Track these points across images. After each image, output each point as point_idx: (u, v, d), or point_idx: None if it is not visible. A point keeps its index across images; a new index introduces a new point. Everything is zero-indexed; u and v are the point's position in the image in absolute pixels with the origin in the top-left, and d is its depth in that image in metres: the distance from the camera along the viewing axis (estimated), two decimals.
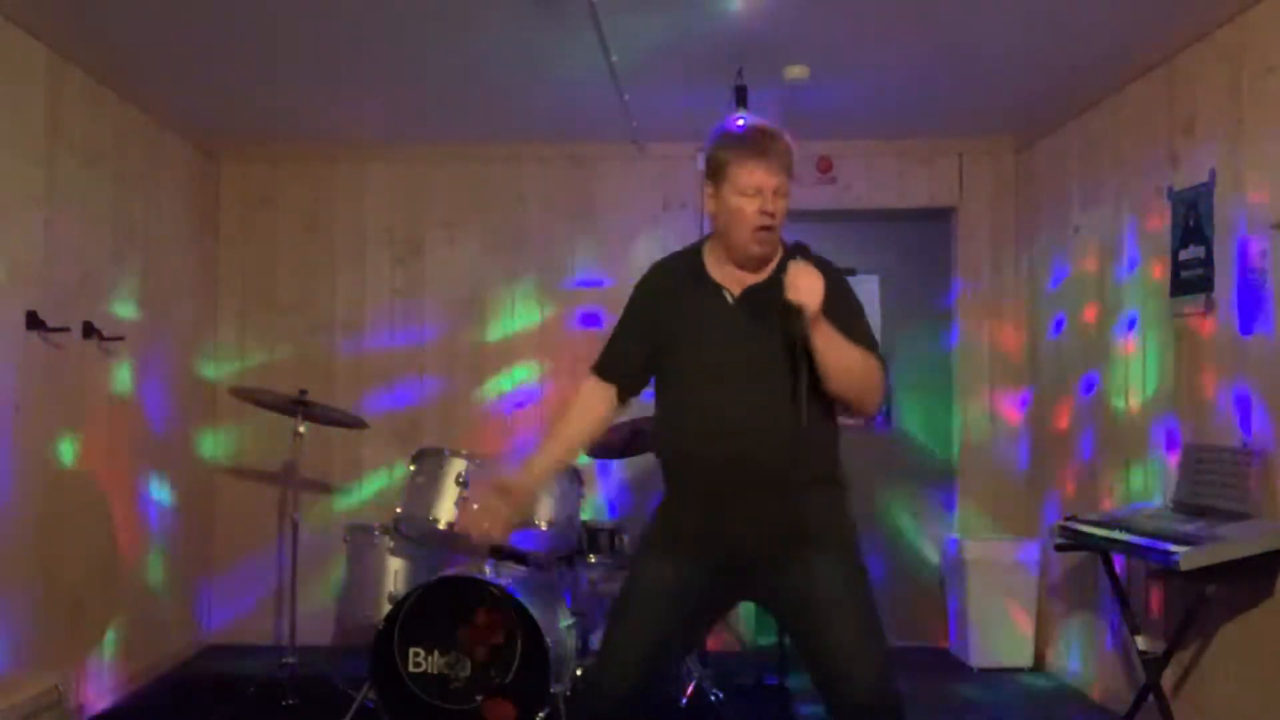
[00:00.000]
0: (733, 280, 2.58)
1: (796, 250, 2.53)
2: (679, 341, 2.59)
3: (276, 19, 3.92)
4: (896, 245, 5.77)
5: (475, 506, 2.57)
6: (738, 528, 2.50)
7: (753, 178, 2.49)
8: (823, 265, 2.53)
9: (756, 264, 2.57)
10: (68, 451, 4.19)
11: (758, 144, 2.51)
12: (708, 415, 2.52)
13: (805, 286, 2.40)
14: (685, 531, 2.56)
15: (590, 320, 5.63)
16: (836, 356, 2.45)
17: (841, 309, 2.52)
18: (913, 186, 5.64)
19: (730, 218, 2.52)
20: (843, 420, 2.64)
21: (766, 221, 2.50)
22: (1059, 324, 5.08)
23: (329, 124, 5.31)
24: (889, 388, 5.62)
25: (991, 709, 4.61)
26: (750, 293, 2.57)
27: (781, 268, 2.52)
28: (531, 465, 2.69)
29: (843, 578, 2.49)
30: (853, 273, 5.60)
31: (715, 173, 2.55)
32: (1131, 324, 4.38)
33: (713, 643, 5.01)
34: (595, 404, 2.70)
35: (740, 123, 2.56)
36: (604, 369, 2.71)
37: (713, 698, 4.37)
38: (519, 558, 4.40)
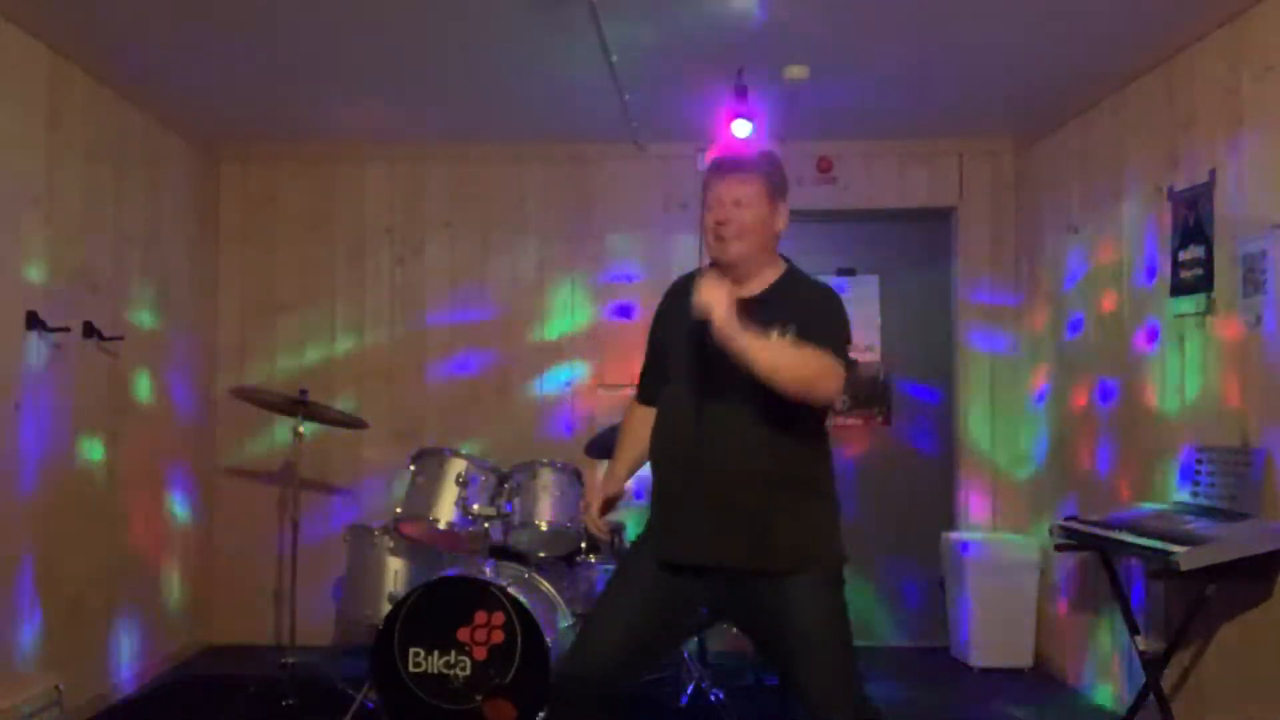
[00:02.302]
0: None
1: (793, 272, 2.68)
2: (669, 350, 2.75)
3: (277, 19, 3.92)
4: (896, 245, 5.77)
5: (584, 511, 2.92)
6: (694, 531, 2.59)
7: (712, 192, 2.65)
8: (806, 284, 2.67)
9: (740, 276, 2.64)
10: (68, 452, 4.19)
11: (719, 165, 2.69)
12: (673, 420, 2.67)
13: (704, 300, 2.41)
14: (658, 531, 2.69)
15: (586, 322, 5.65)
16: (758, 360, 2.40)
17: (809, 316, 2.56)
18: (913, 186, 5.64)
19: (703, 232, 2.69)
20: (841, 418, 2.66)
21: (718, 231, 2.62)
22: (1060, 325, 5.07)
23: (329, 124, 5.31)
24: (888, 387, 5.66)
25: (991, 709, 4.61)
26: (737, 305, 2.60)
27: (777, 286, 2.65)
28: (611, 471, 2.94)
29: (813, 607, 2.52)
30: (853, 273, 5.64)
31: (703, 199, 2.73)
32: (1133, 325, 4.38)
33: (713, 643, 5.01)
34: (643, 416, 2.84)
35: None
36: (641, 395, 2.91)
37: (713, 698, 4.37)
38: (519, 558, 4.41)
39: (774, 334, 2.50)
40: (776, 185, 2.66)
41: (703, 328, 2.57)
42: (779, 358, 2.42)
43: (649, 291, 5.47)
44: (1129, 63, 4.24)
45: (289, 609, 4.54)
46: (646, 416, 2.81)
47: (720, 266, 2.66)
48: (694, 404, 2.61)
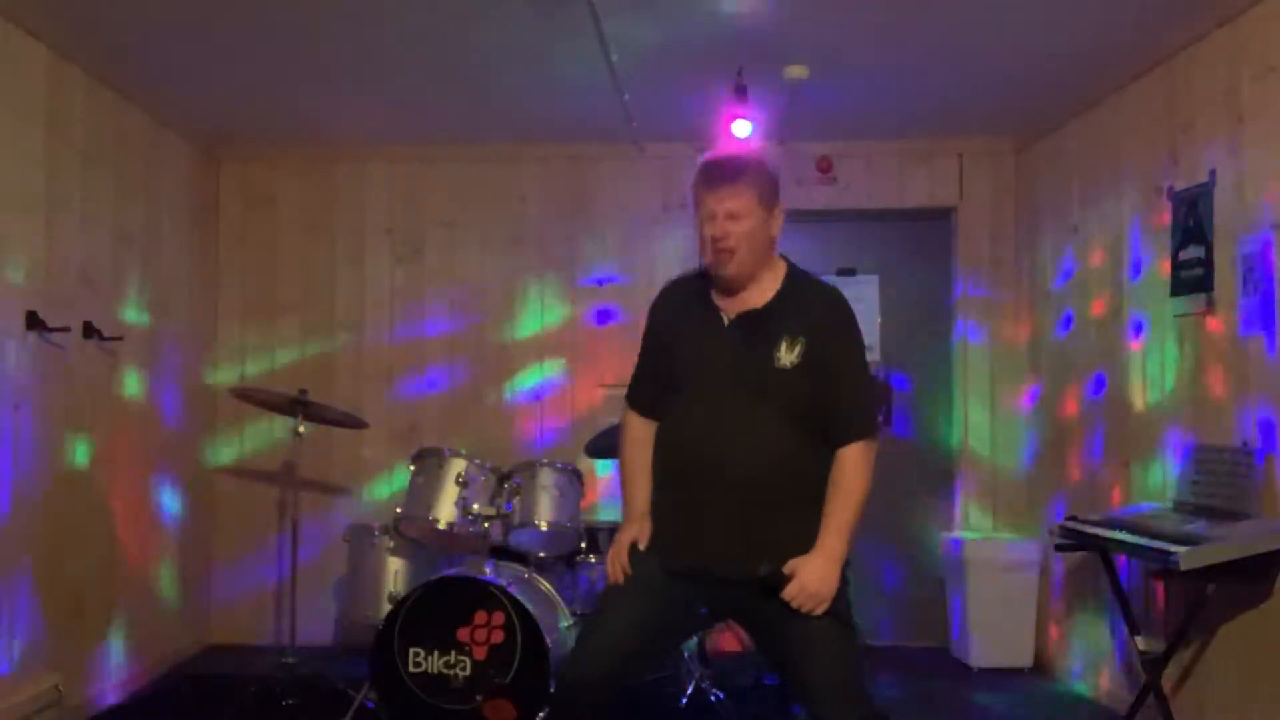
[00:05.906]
0: (730, 304, 2.65)
1: (795, 276, 2.64)
2: (679, 359, 2.69)
3: (277, 19, 3.92)
4: (896, 245, 5.77)
5: (614, 564, 2.74)
6: (705, 540, 2.57)
7: (704, 206, 2.59)
8: (810, 288, 2.65)
9: (735, 285, 2.63)
10: (68, 452, 4.19)
11: (707, 174, 2.62)
12: (688, 429, 2.63)
13: (817, 595, 2.49)
14: (664, 536, 2.67)
15: (585, 321, 5.65)
16: (854, 524, 2.55)
17: (818, 330, 2.57)
18: (913, 186, 5.64)
19: (700, 244, 2.65)
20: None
21: (717, 247, 2.58)
22: (1060, 324, 5.07)
23: (329, 124, 5.31)
24: (888, 387, 5.65)
25: (992, 710, 4.61)
26: (744, 317, 2.62)
27: (782, 295, 2.62)
28: (634, 512, 2.76)
29: (820, 619, 2.50)
30: (853, 273, 5.63)
31: (694, 206, 2.68)
32: (1132, 324, 4.39)
33: (713, 643, 5.01)
34: (644, 438, 2.76)
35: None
36: (635, 402, 2.83)
37: (713, 698, 4.36)
38: (519, 558, 4.41)
39: (781, 346, 2.52)
40: (768, 191, 2.61)
41: (722, 335, 2.59)
42: (857, 509, 2.54)
43: (648, 292, 5.47)
44: (1129, 63, 4.24)
45: (289, 609, 4.54)
46: (648, 434, 2.74)
47: (718, 279, 2.63)
48: (713, 412, 2.58)
